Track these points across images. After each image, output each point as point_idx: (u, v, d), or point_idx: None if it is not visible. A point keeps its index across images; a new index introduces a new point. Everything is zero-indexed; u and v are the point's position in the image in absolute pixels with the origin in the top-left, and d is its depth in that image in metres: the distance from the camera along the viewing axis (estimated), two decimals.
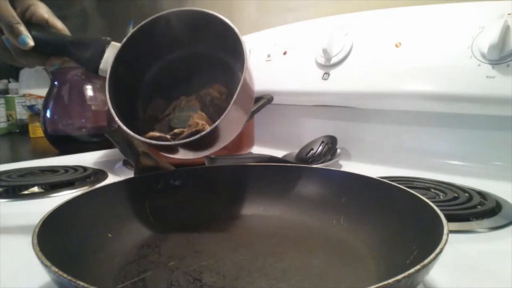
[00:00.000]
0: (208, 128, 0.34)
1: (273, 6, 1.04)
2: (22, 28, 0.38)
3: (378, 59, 0.65)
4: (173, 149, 0.37)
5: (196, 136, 0.34)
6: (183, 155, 0.38)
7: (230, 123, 0.36)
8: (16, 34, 0.38)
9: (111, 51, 0.39)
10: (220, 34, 0.38)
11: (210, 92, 0.41)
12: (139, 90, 0.43)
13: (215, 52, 0.41)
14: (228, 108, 0.34)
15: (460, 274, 0.31)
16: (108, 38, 0.40)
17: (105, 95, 0.38)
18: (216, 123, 0.34)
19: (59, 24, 0.41)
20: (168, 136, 0.37)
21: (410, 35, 0.63)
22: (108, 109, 0.37)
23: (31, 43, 0.38)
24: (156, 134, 0.37)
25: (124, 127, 0.36)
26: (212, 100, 0.40)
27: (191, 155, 0.38)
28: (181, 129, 0.38)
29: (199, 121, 0.37)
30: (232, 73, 0.40)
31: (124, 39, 0.39)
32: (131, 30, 0.40)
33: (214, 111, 0.39)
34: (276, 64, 0.82)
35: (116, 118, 0.36)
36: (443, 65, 0.58)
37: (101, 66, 0.39)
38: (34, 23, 0.40)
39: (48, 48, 0.40)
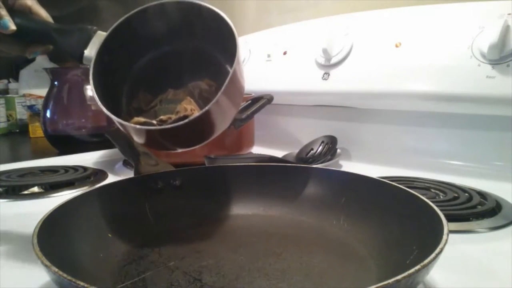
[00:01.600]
0: (197, 113, 0.33)
1: (273, 6, 1.04)
2: (4, 12, 0.37)
3: (378, 59, 0.65)
4: (160, 141, 0.35)
5: (185, 121, 0.32)
6: (171, 146, 0.36)
7: (219, 113, 0.35)
8: None
9: (97, 39, 0.38)
10: (213, 27, 0.37)
11: (199, 85, 0.39)
12: (125, 83, 0.41)
13: (207, 47, 0.40)
14: (218, 95, 0.32)
15: (460, 274, 0.31)
16: (95, 27, 0.39)
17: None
18: (206, 107, 0.32)
19: (42, 12, 0.40)
20: (155, 122, 0.35)
21: (410, 35, 0.63)
22: None
23: (12, 27, 0.37)
24: (142, 119, 0.36)
25: (107, 111, 0.34)
26: (200, 92, 0.39)
27: (179, 148, 0.37)
28: (168, 116, 0.36)
29: (188, 106, 0.36)
30: (223, 69, 0.39)
31: (111, 28, 0.38)
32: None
33: (204, 104, 0.37)
34: (276, 64, 0.82)
35: (99, 103, 0.34)
36: (443, 65, 0.58)
37: (86, 53, 0.38)
38: (16, 10, 0.39)
39: (31, 35, 0.39)
